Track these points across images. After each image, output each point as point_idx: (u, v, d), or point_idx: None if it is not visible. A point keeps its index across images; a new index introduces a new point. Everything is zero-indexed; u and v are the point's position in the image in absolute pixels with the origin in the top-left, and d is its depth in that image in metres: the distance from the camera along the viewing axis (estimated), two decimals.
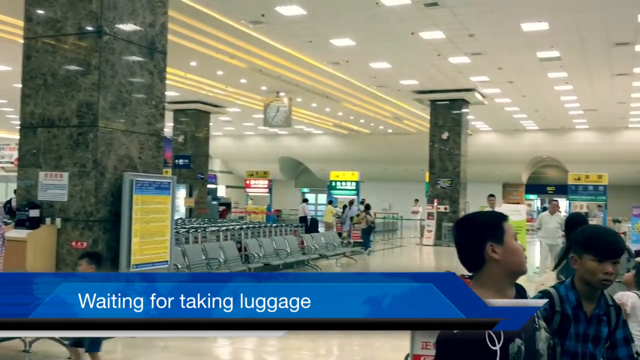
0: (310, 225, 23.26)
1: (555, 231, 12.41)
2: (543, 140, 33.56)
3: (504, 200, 34.71)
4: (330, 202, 25.27)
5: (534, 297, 2.39)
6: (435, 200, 22.76)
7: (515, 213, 15.27)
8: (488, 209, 13.13)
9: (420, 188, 29.23)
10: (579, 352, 2.39)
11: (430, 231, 22.52)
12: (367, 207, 19.97)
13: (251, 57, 17.99)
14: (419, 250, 20.88)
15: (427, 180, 24.52)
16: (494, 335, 1.73)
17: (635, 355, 2.57)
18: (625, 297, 5.07)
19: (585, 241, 2.40)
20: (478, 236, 1.93)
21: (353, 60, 18.32)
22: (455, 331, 1.65)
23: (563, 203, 29.46)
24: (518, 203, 28.51)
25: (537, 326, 1.87)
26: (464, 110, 22.96)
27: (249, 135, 40.18)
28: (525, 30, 14.48)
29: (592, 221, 26.30)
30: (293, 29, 15.02)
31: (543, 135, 33.49)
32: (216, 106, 26.74)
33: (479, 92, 22.51)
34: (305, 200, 26.29)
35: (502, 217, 1.99)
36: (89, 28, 7.60)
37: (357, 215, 19.76)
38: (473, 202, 30.24)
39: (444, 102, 22.89)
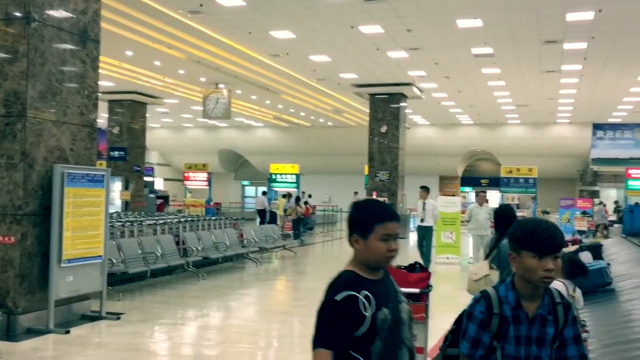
0: (270, 218, 23.47)
1: (485, 222, 12.92)
2: (477, 134, 34.59)
3: (440, 193, 35.60)
4: (284, 196, 25.43)
5: (474, 299, 2.29)
6: (374, 193, 23.07)
7: (450, 205, 15.73)
8: (421, 201, 13.44)
9: (360, 181, 29.58)
10: (522, 355, 2.22)
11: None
12: (297, 200, 20.57)
13: (189, 48, 17.67)
14: None
15: (366, 173, 24.82)
16: (366, 303, 2.12)
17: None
18: (551, 286, 5.32)
19: (523, 237, 2.21)
20: (351, 225, 2.28)
21: (293, 53, 18.30)
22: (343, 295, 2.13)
23: (496, 195, 30.52)
24: (454, 195, 29.29)
25: (400, 300, 2.29)
26: (402, 104, 23.35)
27: (188, 127, 39.51)
28: (461, 26, 14.84)
29: (523, 212, 27.40)
30: (232, 19, 14.84)
31: (477, 129, 34.51)
32: (153, 97, 26.12)
33: (417, 87, 22.93)
34: (264, 193, 26.21)
35: (381, 218, 2.22)
36: (17, 14, 7.27)
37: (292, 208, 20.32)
38: (411, 195, 30.87)
39: (383, 96, 23.20)
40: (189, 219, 15.92)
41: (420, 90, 23.45)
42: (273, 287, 12.40)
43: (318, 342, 2.13)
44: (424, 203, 13.35)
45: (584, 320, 6.46)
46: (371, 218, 2.23)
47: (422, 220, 13.36)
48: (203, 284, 11.29)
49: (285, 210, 21.38)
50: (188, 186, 31.82)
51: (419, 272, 4.66)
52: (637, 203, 20.11)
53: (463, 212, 19.80)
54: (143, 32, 15.98)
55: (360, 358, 2.12)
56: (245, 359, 6.82)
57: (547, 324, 2.24)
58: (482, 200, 13.63)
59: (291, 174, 27.15)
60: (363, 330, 2.11)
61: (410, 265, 4.73)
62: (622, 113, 28.50)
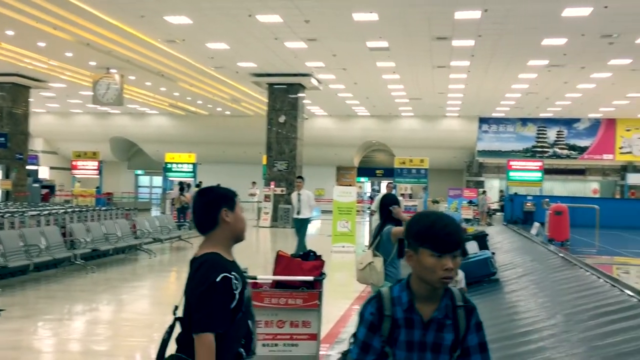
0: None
1: None
2: (373, 125, 35.56)
3: (338, 183, 36.28)
4: (197, 186, 25.10)
5: (368, 299, 2.09)
6: (272, 183, 23.12)
7: (346, 195, 16.07)
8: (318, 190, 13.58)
9: (258, 170, 29.49)
10: None
11: (267, 213, 22.86)
12: (182, 189, 20.64)
13: (77, 30, 16.75)
14: (255, 232, 21.09)
15: (264, 162, 24.79)
16: (236, 282, 2.32)
17: None
18: (461, 274, 5.59)
19: (420, 233, 1.98)
20: (216, 202, 2.45)
21: (189, 39, 17.86)
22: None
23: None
24: (350, 185, 29.96)
25: (245, 278, 2.44)
26: (300, 94, 23.50)
27: (77, 113, 37.47)
28: (357, 19, 15.14)
29: (415, 202, 28.54)
30: (123, 2, 14.23)
31: (373, 121, 35.47)
32: (37, 80, 24.55)
33: (315, 78, 23.17)
34: (197, 186, 25.72)
35: (235, 193, 2.55)
36: None
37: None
38: (308, 184, 31.12)
39: (282, 86, 23.24)
40: (76, 209, 15.15)
41: (319, 82, 23.72)
42: (168, 279, 12.11)
43: (204, 326, 2.24)
44: (299, 194, 12.75)
45: None
46: (231, 193, 2.53)
47: (298, 212, 12.68)
48: (92, 277, 10.82)
49: (172, 200, 21.27)
50: (76, 175, 30.24)
51: (313, 260, 4.74)
52: (516, 193, 21.54)
53: (359, 202, 20.33)
54: (25, 11, 14.95)
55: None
56: (138, 353, 6.62)
57: (445, 329, 2.00)
58: (389, 189, 13.73)
59: (187, 163, 26.52)
60: (231, 307, 2.31)
61: (305, 253, 4.80)
62: (505, 108, 30.40)
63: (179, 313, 2.42)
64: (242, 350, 2.37)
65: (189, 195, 20.67)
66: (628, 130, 32.68)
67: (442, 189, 33.48)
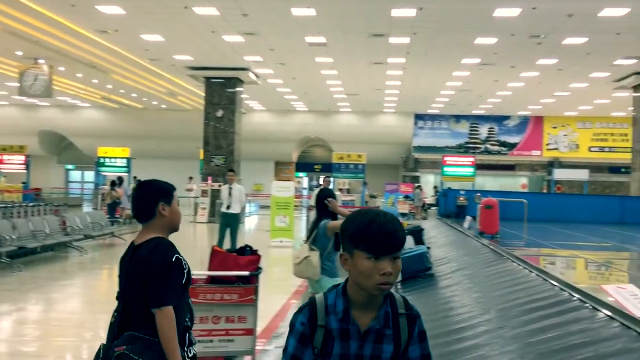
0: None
1: None
2: (311, 121, 35.68)
3: (276, 178, 36.21)
4: (135, 177, 25.12)
5: (299, 307, 1.88)
6: (209, 178, 22.83)
7: (284, 189, 16.06)
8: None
9: (195, 165, 29.05)
10: None
11: (204, 208, 22.57)
12: (113, 184, 20.29)
13: (1, 17, 15.97)
14: (192, 227, 20.78)
15: (201, 157, 24.45)
16: (185, 262, 2.69)
17: None
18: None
19: (356, 234, 1.76)
20: (154, 196, 2.72)
21: (123, 30, 17.35)
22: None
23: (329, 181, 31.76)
24: (289, 180, 29.97)
25: None
26: (238, 88, 23.29)
27: (1, 105, 35.75)
28: (295, 14, 15.13)
29: (353, 197, 28.85)
30: None
31: (311, 116, 35.58)
32: None
33: (253, 72, 23.01)
34: (137, 180, 25.00)
35: (173, 188, 2.80)
36: None
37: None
38: (247, 180, 30.97)
39: (219, 80, 22.95)
40: (1, 205, 14.48)
41: (257, 76, 23.58)
42: (100, 277, 11.77)
43: (162, 299, 2.55)
44: (230, 188, 11.93)
45: None
46: (170, 187, 2.78)
47: (227, 207, 11.77)
48: (19, 275, 10.38)
49: (102, 195, 20.78)
50: (2, 170, 28.90)
51: (249, 255, 4.72)
52: (450, 188, 22.13)
53: (297, 197, 20.38)
54: None
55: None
56: (68, 354, 6.41)
57: (385, 339, 1.80)
58: (326, 184, 13.35)
59: (121, 157, 25.85)
60: (182, 283, 2.64)
61: (241, 248, 4.77)
62: (439, 105, 31.15)
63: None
64: (188, 322, 2.70)
65: (120, 190, 20.29)
66: (554, 128, 34.15)
67: (379, 183, 33.99)
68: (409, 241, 10.00)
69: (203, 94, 23.71)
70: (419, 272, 8.69)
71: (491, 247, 9.54)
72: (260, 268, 4.74)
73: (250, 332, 4.65)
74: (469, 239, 11.56)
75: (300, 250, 5.29)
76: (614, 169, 33.36)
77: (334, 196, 5.41)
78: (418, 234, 10.78)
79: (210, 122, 23.10)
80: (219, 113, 22.95)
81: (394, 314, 1.82)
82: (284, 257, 14.11)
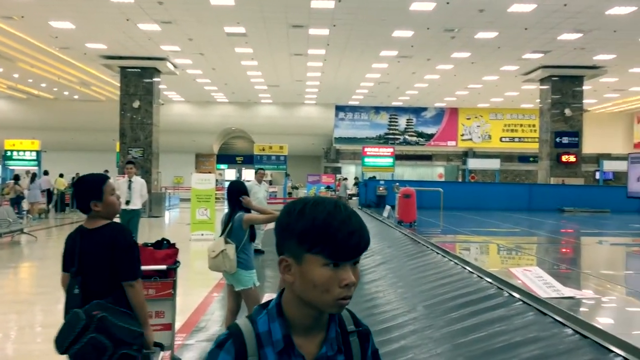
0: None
1: (264, 200, 12.31)
2: (232, 112, 35.29)
3: (197, 170, 35.60)
4: (61, 175, 24.50)
5: (217, 340, 1.32)
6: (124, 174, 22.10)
7: (204, 182, 15.82)
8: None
9: (111, 158, 28.06)
10: None
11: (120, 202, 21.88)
12: (16, 178, 19.66)
13: None
14: None
15: (118, 150, 23.63)
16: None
17: None
18: None
19: (309, 231, 1.29)
20: (85, 194, 3.10)
21: (29, 16, 16.45)
22: None
23: (251, 172, 31.58)
24: (210, 172, 29.54)
25: None
26: (155, 79, 22.66)
27: None
28: (213, 3, 14.88)
29: (275, 188, 28.82)
30: None
31: (232, 107, 35.19)
32: None
33: (171, 62, 22.46)
34: (61, 175, 24.14)
35: (102, 181, 3.14)
36: None
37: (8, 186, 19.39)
38: (167, 172, 30.30)
39: (135, 70, 22.24)
40: None
41: (175, 66, 23.03)
42: (7, 276, 11.16)
43: (135, 274, 3.05)
44: (130, 181, 10.86)
45: None
46: (97, 184, 3.11)
47: (127, 203, 10.52)
48: None
49: (2, 190, 19.82)
50: None
51: (167, 248, 4.62)
52: (370, 178, 22.54)
53: (218, 189, 20.12)
54: None
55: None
56: None
57: None
58: (260, 177, 12.73)
59: (30, 150, 24.53)
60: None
61: (157, 242, 4.66)
62: (359, 97, 31.62)
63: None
64: None
65: (24, 184, 19.50)
66: (468, 119, 35.50)
67: (301, 175, 34.19)
68: None
69: (118, 84, 22.90)
70: None
71: (415, 238, 9.42)
72: (178, 262, 4.65)
73: (169, 327, 4.56)
74: (392, 229, 11.61)
75: (215, 244, 5.24)
76: (523, 158, 35.13)
77: (246, 191, 5.40)
78: None
79: (126, 114, 22.36)
80: (136, 104, 22.25)
81: (343, 334, 1.41)
82: (205, 251, 13.90)
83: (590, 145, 30.47)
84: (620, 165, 23.91)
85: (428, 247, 8.23)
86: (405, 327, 5.13)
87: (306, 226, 1.29)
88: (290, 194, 28.71)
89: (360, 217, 1.33)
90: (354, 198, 27.16)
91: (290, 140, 30.83)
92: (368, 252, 9.52)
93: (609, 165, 29.76)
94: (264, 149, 28.18)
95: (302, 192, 29.58)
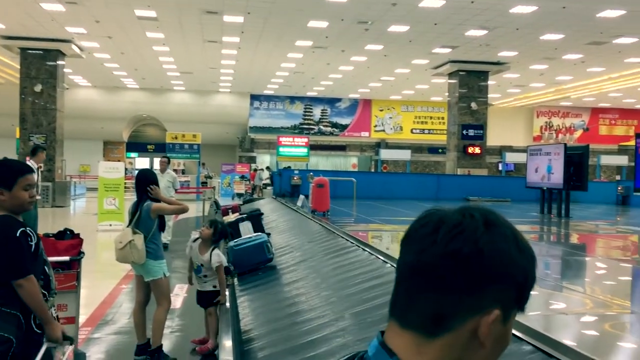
0: None
1: (167, 190, 11.68)
2: (143, 99, 34.17)
3: (105, 158, 34.28)
4: None
5: None
6: (28, 158, 20.87)
7: (113, 171, 15.28)
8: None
9: (11, 144, 26.45)
10: None
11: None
12: None
13: None
14: None
15: (18, 136, 22.31)
16: (31, 235, 2.85)
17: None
18: (221, 257, 5.54)
19: (530, 275, 0.85)
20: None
21: None
22: None
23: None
24: (119, 161, 28.51)
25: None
26: (60, 62, 21.52)
27: None
28: None
29: (189, 178, 28.19)
30: None
31: (143, 94, 34.07)
32: None
33: (76, 45, 21.39)
34: None
35: (21, 171, 2.90)
36: None
37: None
38: (72, 160, 28.96)
39: (37, 52, 21.02)
40: None
41: (81, 49, 21.97)
42: None
43: (20, 272, 2.74)
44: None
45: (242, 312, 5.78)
46: (14, 173, 2.86)
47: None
48: None
49: None
50: None
51: (70, 239, 4.42)
52: (285, 167, 22.59)
53: (128, 179, 19.45)
54: None
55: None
56: None
57: None
58: (163, 165, 12.09)
59: None
60: (32, 253, 2.83)
61: (60, 232, 4.45)
62: (274, 86, 31.53)
63: None
64: (43, 290, 2.86)
65: None
66: (381, 110, 36.31)
67: (216, 164, 33.68)
68: (248, 227, 9.07)
69: (18, 67, 21.58)
70: (260, 264, 7.54)
71: (337, 232, 8.70)
72: (82, 252, 4.46)
73: (72, 320, 4.37)
74: (311, 222, 11.08)
75: (123, 235, 5.10)
76: (433, 149, 36.40)
77: (155, 180, 5.30)
78: (257, 219, 9.56)
79: (27, 98, 21.12)
80: (38, 88, 21.06)
81: None
82: (113, 242, 13.47)
83: (494, 137, 32.00)
84: (521, 157, 25.27)
85: (353, 243, 7.45)
86: (333, 340, 4.37)
87: (530, 271, 0.84)
88: (204, 183, 28.24)
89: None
90: (268, 188, 27.17)
91: (204, 129, 30.32)
92: (286, 247, 8.91)
93: (510, 157, 31.42)
94: (176, 137, 27.55)
95: (215, 182, 29.18)
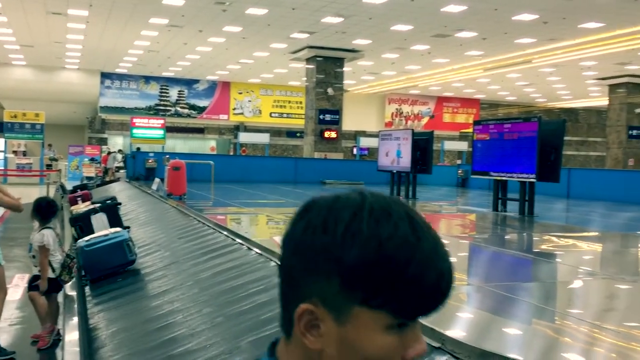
0: None
1: None
2: None
3: None
4: None
5: None
6: None
7: None
8: None
9: None
10: None
11: None
12: None
13: None
14: None
15: None
16: None
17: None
18: (45, 237, 5.23)
19: (371, 269, 0.70)
20: None
21: None
22: None
23: (0, 142, 28.13)
24: None
25: None
26: None
27: None
28: None
29: (31, 160, 26.06)
30: None
31: None
32: None
33: None
34: None
35: None
36: None
37: None
38: None
39: None
40: None
41: None
42: None
43: None
44: None
45: (95, 325, 4.97)
46: None
47: None
48: None
49: None
50: None
51: None
52: (138, 149, 21.69)
53: None
54: None
55: None
56: None
57: None
58: None
59: None
60: None
61: None
62: (128, 64, 30.02)
63: None
64: None
65: None
66: (240, 93, 36.06)
67: (63, 145, 31.45)
68: (102, 221, 7.63)
69: None
70: (119, 267, 6.28)
71: (208, 224, 7.57)
72: None
73: None
74: (179, 214, 9.31)
75: None
76: (291, 133, 36.90)
77: None
78: (113, 210, 8.12)
79: None
80: None
81: None
82: None
83: (349, 123, 33.14)
84: (374, 142, 26.47)
85: (237, 241, 6.27)
86: None
87: (366, 258, 0.71)
88: (49, 165, 26.26)
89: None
90: (121, 171, 25.96)
91: (48, 108, 28.15)
92: (151, 245, 7.50)
93: (364, 142, 32.77)
94: (16, 116, 25.34)
95: (62, 165, 27.26)
